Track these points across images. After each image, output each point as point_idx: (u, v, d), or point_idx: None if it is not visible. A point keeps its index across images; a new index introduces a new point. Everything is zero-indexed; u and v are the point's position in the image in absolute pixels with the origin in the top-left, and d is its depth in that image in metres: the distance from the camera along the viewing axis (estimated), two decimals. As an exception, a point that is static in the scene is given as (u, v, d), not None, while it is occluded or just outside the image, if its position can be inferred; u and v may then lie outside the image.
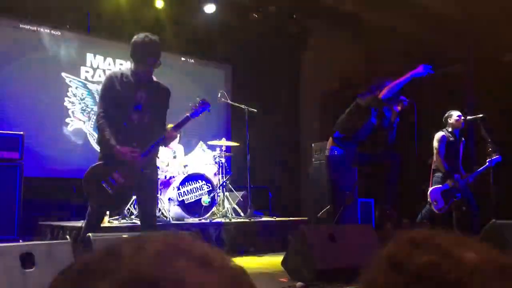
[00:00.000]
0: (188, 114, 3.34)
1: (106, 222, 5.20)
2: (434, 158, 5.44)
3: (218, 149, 6.47)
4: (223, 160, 6.41)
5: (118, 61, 7.44)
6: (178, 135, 6.49)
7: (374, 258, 0.60)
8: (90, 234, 2.64)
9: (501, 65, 6.53)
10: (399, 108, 4.19)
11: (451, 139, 5.44)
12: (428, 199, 5.36)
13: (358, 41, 7.83)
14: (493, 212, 4.95)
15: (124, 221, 5.34)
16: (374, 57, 7.28)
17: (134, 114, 3.19)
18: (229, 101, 6.82)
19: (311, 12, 7.84)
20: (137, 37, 3.27)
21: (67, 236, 2.71)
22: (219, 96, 6.66)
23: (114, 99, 3.19)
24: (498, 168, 5.22)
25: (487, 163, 5.24)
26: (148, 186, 3.33)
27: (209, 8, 7.48)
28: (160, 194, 5.79)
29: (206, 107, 3.36)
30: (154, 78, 3.36)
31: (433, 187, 5.36)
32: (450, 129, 5.49)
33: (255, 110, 6.57)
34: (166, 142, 3.36)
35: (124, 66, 7.28)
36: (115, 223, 5.30)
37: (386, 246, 0.60)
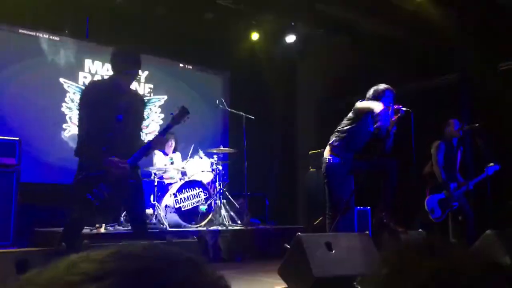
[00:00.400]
0: (169, 122, 3.38)
1: (102, 229, 5.19)
2: (433, 166, 5.44)
3: (215, 156, 6.47)
4: (220, 167, 6.40)
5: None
6: (172, 143, 6.49)
7: (377, 265, 0.60)
8: (86, 241, 2.62)
9: (498, 75, 6.56)
10: (395, 117, 4.20)
11: (449, 148, 5.45)
12: (425, 208, 5.36)
13: (355, 49, 7.86)
14: (489, 221, 4.96)
15: (120, 228, 5.32)
16: (371, 65, 7.30)
17: (116, 124, 3.20)
18: (227, 108, 6.83)
19: (308, 20, 7.87)
20: (119, 47, 3.35)
21: (63, 244, 2.68)
22: (217, 102, 6.67)
23: (96, 109, 3.17)
24: (496, 177, 5.24)
25: (485, 172, 5.26)
26: (134, 194, 3.33)
27: (209, 15, 7.52)
28: (157, 201, 5.78)
29: (185, 115, 3.37)
30: (132, 88, 3.43)
31: (429, 196, 5.36)
32: (447, 138, 5.51)
33: (253, 117, 6.58)
34: (154, 147, 3.37)
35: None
36: (111, 230, 5.28)
37: (390, 253, 0.60)
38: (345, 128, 4.28)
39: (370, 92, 4.31)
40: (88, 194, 3.05)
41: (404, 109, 4.14)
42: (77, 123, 3.20)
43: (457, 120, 5.53)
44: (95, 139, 3.11)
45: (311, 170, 6.94)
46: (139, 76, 3.39)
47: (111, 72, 3.38)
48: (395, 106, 4.18)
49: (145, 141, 3.39)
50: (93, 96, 3.20)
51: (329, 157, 4.28)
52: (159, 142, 3.35)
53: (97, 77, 7.03)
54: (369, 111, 4.13)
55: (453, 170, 5.44)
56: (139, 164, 3.40)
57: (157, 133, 3.38)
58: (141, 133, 3.44)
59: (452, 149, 5.45)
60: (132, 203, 3.37)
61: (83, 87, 3.30)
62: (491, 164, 5.27)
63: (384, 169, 4.20)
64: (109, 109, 3.19)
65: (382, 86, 4.26)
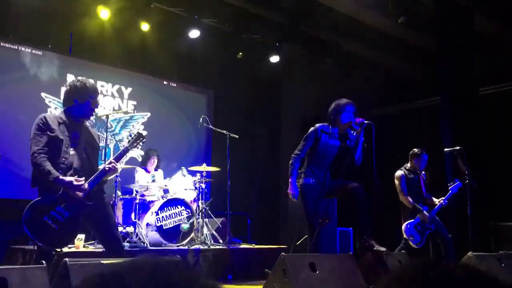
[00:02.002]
0: (126, 146, 3.50)
1: (81, 247, 5.07)
2: (399, 196, 5.48)
3: (198, 174, 6.42)
4: (203, 185, 6.35)
5: (99, 82, 7.37)
6: (155, 160, 6.45)
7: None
8: (67, 259, 2.55)
9: (477, 98, 6.72)
10: (359, 126, 4.25)
11: (410, 176, 5.50)
12: (404, 236, 5.38)
13: (337, 70, 7.99)
14: (468, 242, 5.02)
15: (100, 245, 5.20)
16: (354, 86, 7.41)
17: (70, 151, 3.24)
18: (210, 126, 6.82)
19: (293, 41, 7.97)
20: (78, 80, 3.42)
21: (43, 261, 2.61)
22: (200, 121, 6.66)
23: (50, 138, 3.20)
24: (477, 198, 5.32)
25: (450, 191, 5.36)
26: (99, 218, 3.31)
27: (194, 34, 7.56)
28: (138, 219, 5.69)
29: (139, 139, 3.53)
30: (85, 123, 3.51)
31: (406, 223, 5.39)
32: (409, 166, 5.56)
33: (237, 136, 6.57)
34: (108, 173, 3.39)
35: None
36: (91, 248, 5.16)
37: (393, 273, 0.61)
38: (306, 150, 4.34)
39: (332, 106, 4.38)
40: (45, 217, 3.02)
41: (366, 122, 4.20)
42: (30, 155, 3.18)
43: (426, 154, 5.56)
44: (51, 165, 3.11)
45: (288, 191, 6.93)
46: (98, 104, 3.50)
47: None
48: (358, 120, 4.25)
49: (100, 167, 3.40)
50: (47, 127, 3.23)
51: (303, 178, 4.30)
52: (114, 169, 3.37)
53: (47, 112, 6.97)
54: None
55: (419, 194, 5.49)
56: (103, 188, 3.42)
57: (112, 159, 3.37)
58: (97, 162, 3.48)
59: (413, 176, 5.50)
60: (97, 228, 3.38)
61: (37, 120, 3.29)
62: (452, 183, 5.38)
63: (351, 195, 4.22)
64: (63, 140, 3.23)
65: (343, 100, 4.34)
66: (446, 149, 5.72)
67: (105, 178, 3.40)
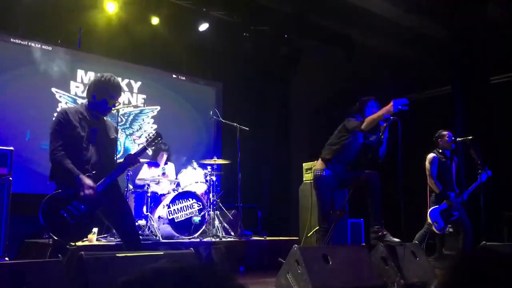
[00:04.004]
0: (144, 145, 3.52)
1: (94, 240, 5.11)
2: (428, 179, 5.46)
3: (209, 167, 6.43)
4: (213, 178, 6.37)
5: (119, 80, 7.37)
6: (164, 155, 6.46)
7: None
8: (82, 252, 2.57)
9: (489, 87, 6.65)
10: (385, 124, 4.22)
11: (443, 159, 5.47)
12: (428, 220, 5.37)
13: (348, 61, 7.92)
14: (482, 232, 4.99)
15: (112, 239, 5.25)
16: (364, 77, 7.36)
17: (89, 147, 3.26)
18: (220, 119, 6.81)
19: (302, 32, 7.92)
20: (102, 76, 3.40)
21: (59, 255, 2.63)
22: (210, 114, 6.65)
23: (70, 134, 3.21)
24: (489, 189, 5.29)
25: (479, 179, 5.31)
26: (118, 212, 3.33)
27: (202, 27, 7.53)
28: (150, 212, 5.72)
29: (157, 139, 3.55)
30: (104, 118, 3.51)
31: (431, 208, 5.37)
32: (440, 150, 5.53)
33: (247, 129, 6.56)
34: (127, 168, 3.43)
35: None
36: (103, 242, 5.20)
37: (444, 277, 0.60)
38: (336, 141, 4.30)
39: (357, 104, 4.38)
40: (62, 211, 3.05)
41: (392, 117, 4.16)
42: (48, 149, 3.20)
43: (451, 132, 5.56)
44: (69, 160, 3.13)
45: (305, 181, 6.92)
46: (118, 103, 3.51)
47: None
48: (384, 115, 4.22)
49: (119, 161, 3.43)
50: (67, 122, 3.23)
51: (320, 170, 4.28)
52: (131, 163, 3.39)
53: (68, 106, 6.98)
54: (357, 128, 4.18)
55: (449, 181, 5.45)
56: (117, 182, 3.43)
57: (131, 156, 3.38)
58: (114, 158, 3.49)
59: (445, 160, 5.47)
60: (115, 221, 3.40)
61: (57, 113, 3.30)
62: (484, 171, 5.33)
63: (366, 182, 4.20)
64: (82, 135, 3.24)
65: (366, 97, 4.34)
66: (458, 139, 5.67)
67: (118, 176, 3.41)
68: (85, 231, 3.27)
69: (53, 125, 3.25)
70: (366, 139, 4.33)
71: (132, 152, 3.56)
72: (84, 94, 7.12)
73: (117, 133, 3.59)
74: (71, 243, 3.17)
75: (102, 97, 3.34)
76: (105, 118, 3.53)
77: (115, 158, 3.50)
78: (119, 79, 7.57)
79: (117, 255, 2.64)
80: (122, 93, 7.57)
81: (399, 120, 4.11)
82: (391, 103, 3.92)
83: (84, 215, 3.10)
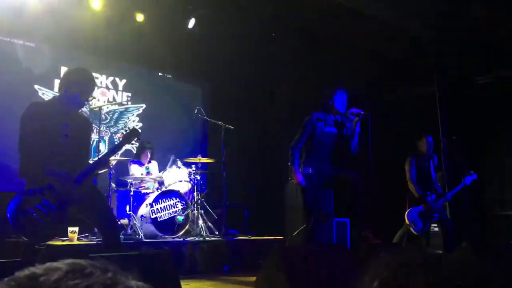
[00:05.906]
0: (118, 143, 3.41)
1: (75, 239, 5.05)
2: (408, 183, 5.44)
3: (193, 166, 6.38)
4: (198, 177, 6.32)
5: (93, 74, 7.29)
6: (148, 153, 6.39)
7: (367, 279, 0.60)
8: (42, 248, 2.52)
9: (475, 87, 6.67)
10: (357, 118, 4.24)
11: (420, 161, 5.46)
12: (405, 221, 5.34)
13: (331, 57, 7.89)
14: (466, 232, 5.00)
15: (94, 238, 5.19)
16: (350, 75, 7.33)
17: (60, 142, 3.18)
18: (205, 117, 6.76)
19: (287, 31, 7.88)
20: (75, 69, 3.36)
21: (32, 256, 2.57)
22: (195, 112, 6.61)
23: (40, 128, 3.12)
24: (473, 189, 5.29)
25: (462, 182, 5.30)
26: (93, 205, 3.28)
27: (190, 23, 7.47)
28: (133, 211, 5.66)
29: (134, 136, 3.39)
30: (79, 112, 3.46)
31: (409, 209, 5.34)
32: (419, 152, 5.51)
33: (232, 127, 6.52)
34: (97, 170, 3.36)
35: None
36: (84, 241, 5.14)
37: (374, 270, 0.59)
38: (303, 139, 4.32)
39: (324, 93, 4.40)
40: (30, 210, 2.95)
41: (363, 112, 4.18)
42: (17, 144, 3.11)
43: (430, 135, 5.51)
44: (38, 157, 3.06)
45: (291, 180, 6.91)
46: (92, 97, 3.44)
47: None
48: (354, 110, 4.25)
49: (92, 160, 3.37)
50: (36, 117, 3.14)
51: (302, 168, 4.27)
52: (103, 164, 3.33)
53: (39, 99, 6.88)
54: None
55: (429, 182, 5.44)
56: (92, 180, 3.38)
57: (103, 154, 3.33)
58: (88, 153, 3.43)
59: (424, 162, 5.45)
60: (90, 214, 3.33)
61: (27, 107, 3.22)
62: (469, 174, 5.32)
63: (348, 182, 4.21)
64: (53, 129, 3.16)
65: (334, 86, 4.36)
66: (442, 138, 5.68)
67: (95, 172, 3.36)
68: (55, 231, 3.18)
69: (22, 119, 3.16)
70: (340, 129, 4.33)
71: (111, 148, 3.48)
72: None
73: (91, 129, 3.52)
74: (41, 244, 3.10)
75: (75, 91, 3.25)
76: (80, 113, 3.46)
77: (87, 154, 3.42)
78: (104, 76, 7.60)
79: (90, 255, 2.58)
80: (107, 91, 7.53)
81: (369, 115, 4.13)
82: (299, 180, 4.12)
83: (53, 214, 3.02)
